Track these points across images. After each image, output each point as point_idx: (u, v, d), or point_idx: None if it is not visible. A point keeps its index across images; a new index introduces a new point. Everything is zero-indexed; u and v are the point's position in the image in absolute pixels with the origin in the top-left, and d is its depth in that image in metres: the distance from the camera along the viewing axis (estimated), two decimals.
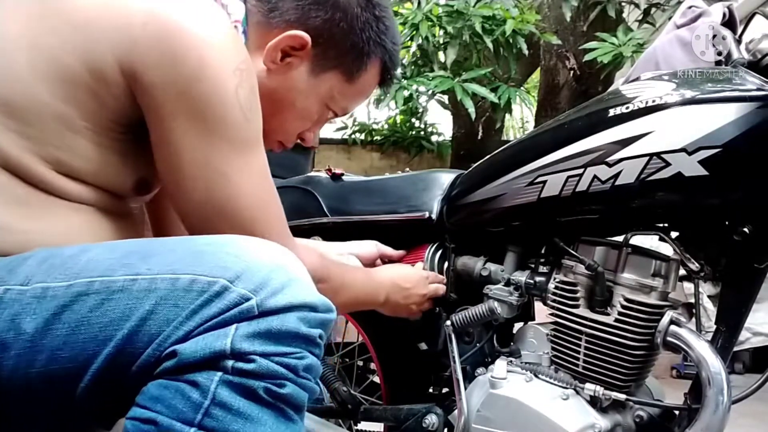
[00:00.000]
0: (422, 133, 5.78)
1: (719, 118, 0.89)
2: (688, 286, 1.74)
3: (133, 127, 0.76)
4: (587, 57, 3.54)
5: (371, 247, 1.25)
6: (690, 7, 1.13)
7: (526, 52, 3.77)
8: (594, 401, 1.03)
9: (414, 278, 1.18)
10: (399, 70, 4.20)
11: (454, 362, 1.16)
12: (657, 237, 1.04)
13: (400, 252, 1.28)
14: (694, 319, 1.09)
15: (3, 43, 0.72)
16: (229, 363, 0.59)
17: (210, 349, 0.59)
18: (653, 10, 3.80)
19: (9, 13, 0.74)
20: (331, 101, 0.95)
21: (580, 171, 0.98)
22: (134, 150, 0.78)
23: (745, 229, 0.94)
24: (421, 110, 5.32)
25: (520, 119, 8.65)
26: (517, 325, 1.23)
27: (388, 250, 1.27)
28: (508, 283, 1.15)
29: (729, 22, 1.08)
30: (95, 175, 0.76)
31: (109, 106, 0.74)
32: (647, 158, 0.93)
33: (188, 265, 0.62)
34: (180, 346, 0.59)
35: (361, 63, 0.92)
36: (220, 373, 0.59)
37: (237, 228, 0.75)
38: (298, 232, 1.37)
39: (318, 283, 0.68)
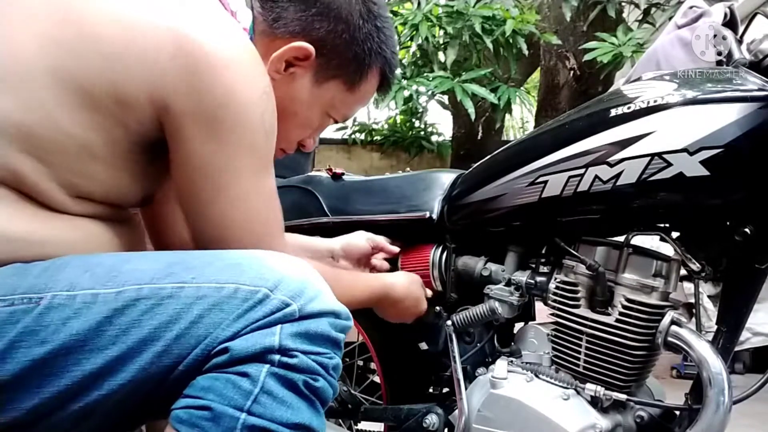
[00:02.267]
0: (422, 133, 5.77)
1: (720, 119, 0.89)
2: (689, 286, 1.74)
3: (150, 147, 0.78)
4: (587, 57, 3.54)
5: (361, 239, 1.25)
6: (691, 8, 1.13)
7: (526, 52, 3.77)
8: (595, 401, 1.03)
9: (408, 282, 1.19)
10: (399, 71, 4.21)
11: (455, 362, 1.16)
12: (658, 237, 1.04)
13: (394, 248, 1.27)
14: (694, 320, 1.09)
15: (20, 68, 0.71)
16: (276, 357, 0.66)
17: (260, 345, 0.66)
18: (653, 10, 3.80)
19: (21, 32, 0.72)
20: (332, 109, 0.97)
21: (582, 171, 0.98)
22: (145, 170, 0.81)
23: (746, 230, 0.94)
24: (421, 110, 5.32)
25: (520, 119, 8.66)
26: (518, 325, 1.23)
27: (380, 240, 1.26)
28: (508, 283, 1.15)
29: (730, 23, 1.08)
30: (106, 195, 0.79)
31: (132, 130, 0.76)
32: (648, 158, 0.93)
33: (231, 276, 0.69)
34: (231, 343, 0.66)
35: (362, 72, 0.95)
36: (268, 366, 0.66)
37: (245, 242, 0.79)
38: (299, 231, 1.37)
39: None
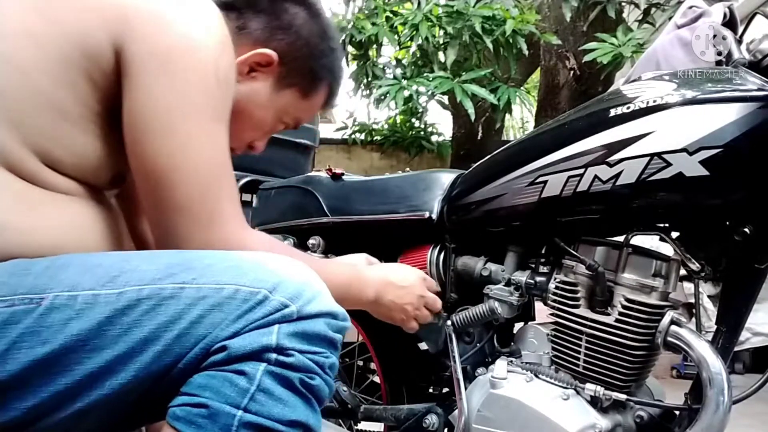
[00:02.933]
0: (422, 133, 5.78)
1: (720, 119, 0.89)
2: (689, 286, 1.74)
3: (117, 110, 0.79)
4: (587, 57, 3.54)
5: (361, 260, 1.21)
6: (690, 8, 1.12)
7: (526, 52, 3.77)
8: (594, 401, 1.03)
9: (410, 278, 1.14)
10: (398, 71, 4.21)
11: (455, 362, 1.16)
12: (657, 237, 1.04)
13: None
14: (694, 320, 1.09)
15: (1, 30, 0.76)
16: (273, 356, 0.67)
17: (258, 344, 0.67)
18: (653, 10, 3.80)
19: (8, 6, 0.78)
20: (286, 115, 1.04)
21: (581, 171, 0.98)
22: (114, 138, 0.81)
23: (746, 230, 0.94)
24: (421, 110, 5.32)
25: (520, 119, 8.66)
26: (518, 325, 1.23)
27: (375, 261, 1.23)
28: (508, 283, 1.15)
29: (729, 23, 1.08)
30: (78, 167, 0.79)
31: (99, 85, 0.78)
32: (648, 158, 0.93)
33: (231, 278, 0.70)
34: (229, 342, 0.67)
35: (315, 84, 1.03)
36: (264, 364, 0.67)
37: (190, 190, 0.79)
38: (298, 231, 1.37)
39: None
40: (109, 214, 0.85)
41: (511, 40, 3.72)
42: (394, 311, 1.13)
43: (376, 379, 1.42)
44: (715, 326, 1.03)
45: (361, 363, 1.46)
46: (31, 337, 0.66)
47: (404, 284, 1.13)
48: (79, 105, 0.78)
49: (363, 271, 1.11)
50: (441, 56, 4.02)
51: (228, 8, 0.94)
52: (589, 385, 1.03)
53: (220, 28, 0.84)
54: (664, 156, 0.91)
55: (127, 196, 0.97)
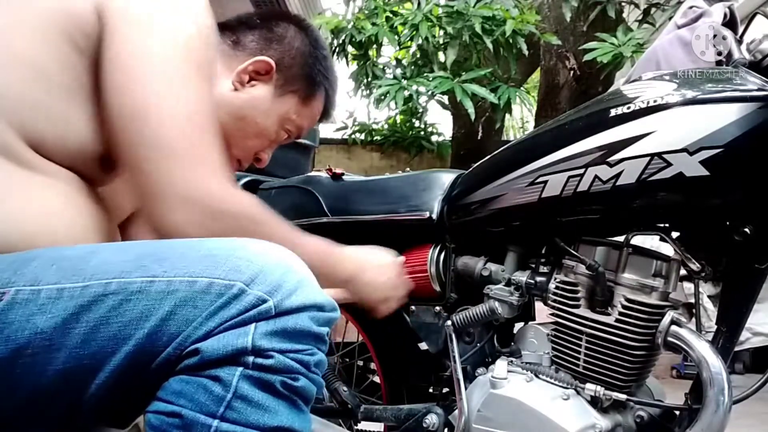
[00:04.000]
0: (422, 133, 5.78)
1: (720, 119, 0.89)
2: (689, 286, 1.74)
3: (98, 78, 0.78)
4: (587, 57, 3.54)
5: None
6: (691, 8, 1.12)
7: (526, 52, 3.77)
8: (594, 401, 1.03)
9: (387, 259, 1.14)
10: (398, 71, 4.21)
11: (455, 362, 1.16)
12: (658, 237, 1.04)
13: None
14: (694, 320, 1.09)
15: None
16: (250, 359, 0.63)
17: (232, 347, 0.62)
18: (653, 10, 3.80)
19: None
20: (288, 122, 1.07)
21: (581, 171, 0.98)
22: (97, 112, 0.78)
23: (746, 230, 0.94)
24: (421, 110, 5.32)
25: (520, 119, 8.66)
26: (518, 325, 1.22)
27: None
28: (508, 283, 1.15)
29: (730, 23, 1.08)
30: (62, 146, 0.76)
31: (83, 49, 0.76)
32: (648, 158, 0.93)
33: (204, 269, 0.65)
34: (202, 344, 0.63)
35: (313, 90, 1.08)
36: (241, 369, 0.62)
37: (176, 133, 0.76)
38: None
39: (254, 225, 0.76)
40: (95, 208, 0.81)
41: (511, 41, 3.71)
42: (373, 291, 1.11)
43: (376, 379, 1.42)
44: (715, 326, 1.03)
45: (361, 363, 1.46)
46: None
47: (381, 264, 1.13)
48: (64, 73, 0.75)
49: (340, 248, 1.07)
50: (441, 56, 4.02)
51: (222, 27, 0.99)
52: (589, 385, 1.03)
53: None
54: (665, 156, 0.91)
55: (119, 196, 0.94)
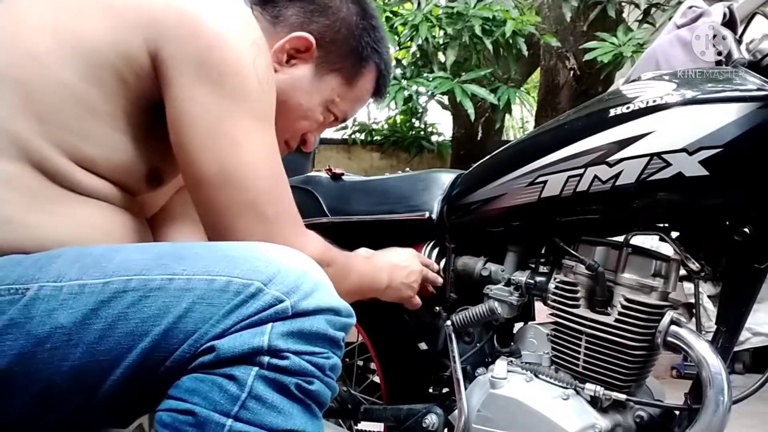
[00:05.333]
0: (422, 133, 5.78)
1: (720, 119, 0.89)
2: (688, 286, 1.74)
3: (150, 111, 0.78)
4: (587, 57, 3.54)
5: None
6: (690, 7, 1.13)
7: (525, 52, 3.77)
8: (594, 401, 1.03)
9: (407, 254, 1.16)
10: (398, 71, 4.21)
11: (455, 362, 1.16)
12: (657, 237, 1.04)
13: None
14: (694, 319, 1.09)
15: (21, 27, 0.75)
16: (265, 359, 0.62)
17: (248, 346, 0.62)
18: (653, 10, 3.80)
19: (32, 2, 0.78)
20: (332, 104, 0.99)
21: (581, 171, 0.98)
22: (148, 138, 0.80)
23: (746, 230, 0.94)
24: (421, 110, 5.32)
25: (520, 119, 8.66)
26: (518, 325, 1.22)
27: None
28: (508, 283, 1.15)
29: (729, 22, 1.08)
30: (109, 164, 0.77)
31: (131, 86, 0.76)
32: (648, 158, 0.93)
33: (223, 268, 0.66)
34: (218, 342, 0.63)
35: (359, 67, 0.98)
36: (256, 368, 0.62)
37: (246, 200, 0.77)
38: None
39: (325, 268, 0.72)
40: (133, 222, 0.82)
41: (510, 41, 3.72)
42: (403, 291, 1.14)
43: (376, 379, 1.42)
44: (715, 326, 1.03)
45: (361, 363, 1.46)
46: (15, 329, 0.62)
47: (406, 264, 1.15)
48: (108, 103, 0.76)
49: (372, 260, 1.12)
50: (441, 57, 4.02)
51: (263, 2, 0.93)
52: (589, 385, 1.03)
53: (253, 28, 0.82)
54: (664, 156, 0.91)
55: (154, 206, 0.95)
